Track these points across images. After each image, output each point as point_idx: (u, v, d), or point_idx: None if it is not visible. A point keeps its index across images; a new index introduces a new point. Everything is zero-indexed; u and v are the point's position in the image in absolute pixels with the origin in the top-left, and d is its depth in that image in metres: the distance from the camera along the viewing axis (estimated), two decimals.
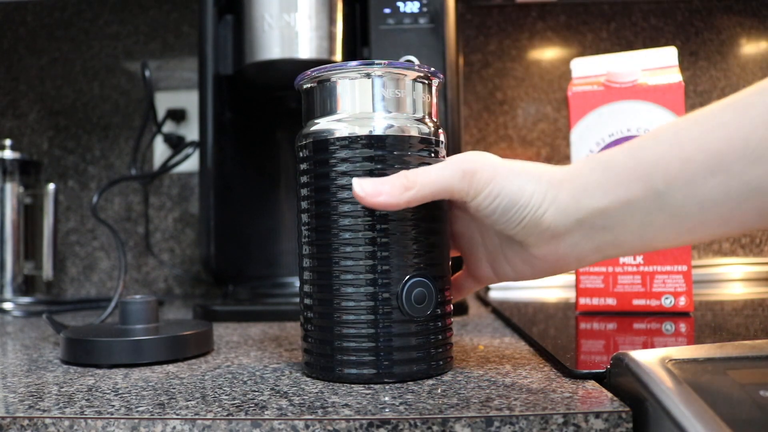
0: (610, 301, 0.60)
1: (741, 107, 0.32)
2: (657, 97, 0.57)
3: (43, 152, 1.05)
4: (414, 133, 0.39)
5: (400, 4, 0.68)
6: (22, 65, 1.06)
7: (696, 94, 1.01)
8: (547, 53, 1.03)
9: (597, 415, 0.32)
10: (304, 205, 0.41)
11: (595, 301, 0.60)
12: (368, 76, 0.39)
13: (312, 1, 0.65)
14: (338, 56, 0.68)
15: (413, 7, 0.68)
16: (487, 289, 0.89)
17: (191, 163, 0.97)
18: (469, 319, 0.66)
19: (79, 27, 1.06)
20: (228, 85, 0.72)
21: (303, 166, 0.41)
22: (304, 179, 0.41)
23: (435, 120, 0.42)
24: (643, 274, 0.59)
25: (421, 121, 0.40)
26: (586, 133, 0.59)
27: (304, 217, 0.41)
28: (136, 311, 0.50)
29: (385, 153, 0.38)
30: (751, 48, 1.01)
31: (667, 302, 0.58)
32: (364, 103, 0.39)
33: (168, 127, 1.02)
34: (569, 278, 0.62)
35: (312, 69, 0.40)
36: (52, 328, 0.55)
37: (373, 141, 0.39)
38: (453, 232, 0.44)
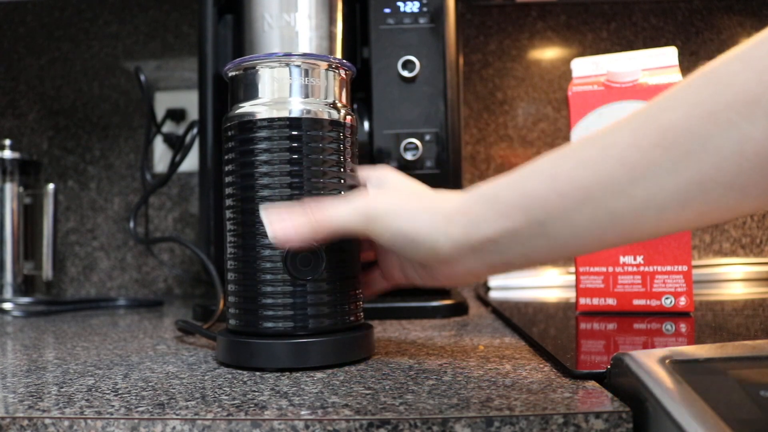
0: (611, 301, 0.60)
1: (604, 145, 0.36)
2: None
3: (43, 152, 1.05)
4: (325, 116, 0.45)
5: (400, 3, 0.68)
6: (22, 65, 1.06)
7: None
8: (547, 53, 1.03)
9: (597, 415, 0.32)
10: (229, 179, 0.46)
11: (596, 301, 0.60)
12: (287, 65, 0.45)
13: (312, 1, 0.65)
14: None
15: (413, 7, 0.68)
16: (488, 288, 0.89)
17: (191, 163, 0.97)
18: (469, 319, 0.66)
19: (79, 27, 1.06)
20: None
21: (229, 145, 0.46)
22: (229, 156, 0.46)
23: (345, 105, 0.47)
24: (643, 274, 0.59)
25: (332, 106, 0.46)
26: (587, 133, 0.59)
27: (229, 190, 0.46)
28: None
29: (301, 133, 0.44)
30: None
31: (668, 302, 0.58)
32: (282, 89, 0.45)
33: (168, 127, 1.01)
34: (569, 278, 0.62)
35: (236, 59, 0.46)
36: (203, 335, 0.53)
37: (290, 122, 0.44)
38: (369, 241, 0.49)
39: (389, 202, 0.42)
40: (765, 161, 0.32)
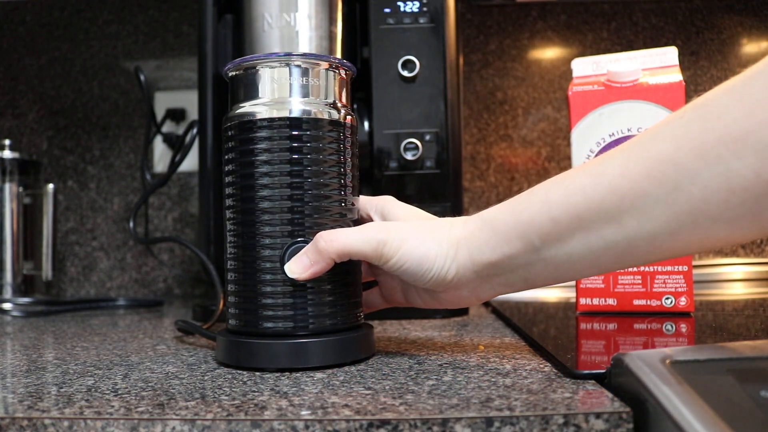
0: (611, 302, 0.60)
1: (595, 173, 0.37)
2: (658, 96, 0.57)
3: (43, 152, 1.05)
4: (325, 116, 0.45)
5: (400, 3, 0.68)
6: (22, 65, 1.06)
7: (696, 93, 1.01)
8: (548, 53, 1.03)
9: (597, 415, 0.32)
10: (229, 179, 0.46)
11: (596, 302, 0.60)
12: (287, 65, 0.45)
13: (312, 1, 0.65)
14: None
15: (413, 7, 0.68)
16: None
17: (191, 163, 0.97)
18: (469, 319, 0.66)
19: (79, 26, 1.06)
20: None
21: (229, 145, 0.46)
22: (229, 156, 0.46)
23: (345, 105, 0.47)
24: (643, 274, 0.58)
25: (332, 106, 0.45)
26: (587, 133, 0.59)
27: (229, 190, 0.46)
28: None
29: (301, 133, 0.44)
30: (752, 47, 1.01)
31: (668, 302, 0.58)
32: (282, 89, 0.45)
33: (168, 127, 1.01)
34: None
35: (236, 59, 0.46)
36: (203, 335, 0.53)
37: (290, 122, 0.44)
38: (370, 266, 0.49)
39: (398, 229, 0.43)
40: (753, 196, 0.32)
